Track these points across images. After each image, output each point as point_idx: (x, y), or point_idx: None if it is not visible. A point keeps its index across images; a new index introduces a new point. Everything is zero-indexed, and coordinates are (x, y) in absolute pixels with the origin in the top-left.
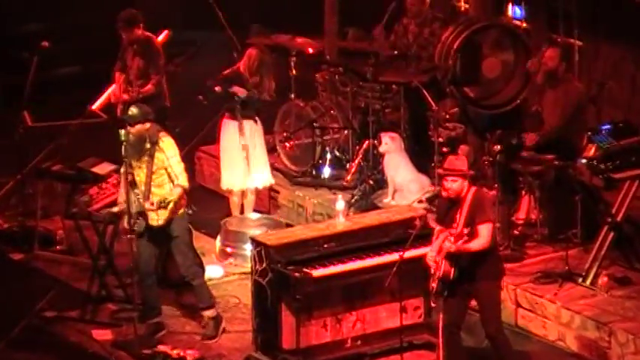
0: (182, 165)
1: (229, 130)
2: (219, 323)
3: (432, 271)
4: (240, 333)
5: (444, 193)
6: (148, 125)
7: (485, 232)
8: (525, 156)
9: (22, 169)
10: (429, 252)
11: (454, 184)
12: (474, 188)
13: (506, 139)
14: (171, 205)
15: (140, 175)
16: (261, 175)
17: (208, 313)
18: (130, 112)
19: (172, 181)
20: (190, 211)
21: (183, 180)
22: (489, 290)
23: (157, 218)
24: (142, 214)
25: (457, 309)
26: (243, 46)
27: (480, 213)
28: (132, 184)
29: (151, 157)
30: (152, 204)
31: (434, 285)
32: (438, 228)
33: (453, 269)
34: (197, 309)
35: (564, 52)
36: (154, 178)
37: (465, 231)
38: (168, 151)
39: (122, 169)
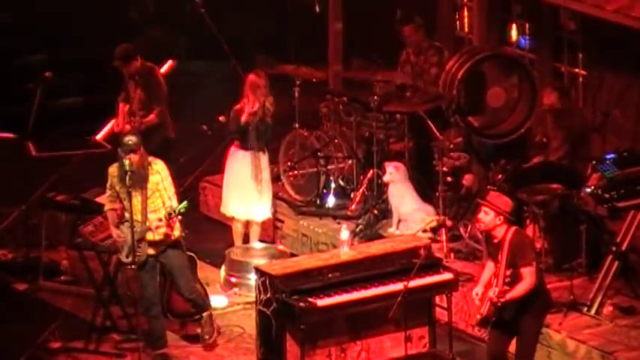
0: (174, 188)
1: (237, 159)
2: (213, 321)
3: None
4: None
5: (477, 226)
6: (142, 150)
7: (528, 276)
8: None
9: (26, 200)
10: (478, 286)
11: (486, 217)
12: (513, 229)
13: (511, 169)
14: (180, 215)
15: (135, 204)
16: (264, 208)
17: (206, 314)
18: (129, 142)
19: (164, 204)
20: (183, 234)
21: (174, 202)
22: (531, 328)
23: (153, 235)
24: (142, 240)
25: (499, 342)
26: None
27: (520, 256)
28: (122, 217)
29: (145, 181)
30: (160, 220)
31: (478, 317)
32: (488, 262)
33: (494, 316)
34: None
35: (564, 88)
36: (149, 203)
37: (508, 272)
38: (162, 172)
39: (106, 207)
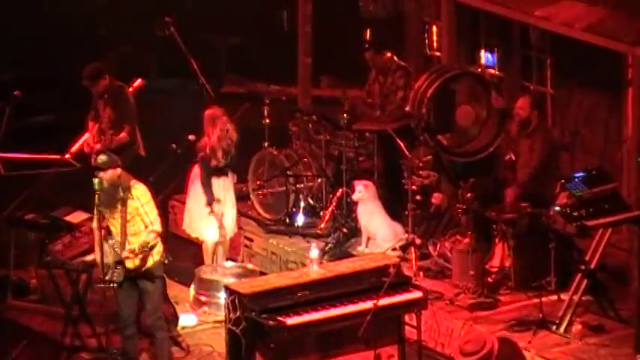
0: (156, 211)
1: (199, 181)
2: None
3: None
4: None
5: None
6: (119, 171)
7: None
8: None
9: None
10: None
11: None
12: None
13: (480, 188)
14: (153, 248)
15: (115, 225)
16: (226, 227)
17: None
18: (99, 160)
19: (146, 227)
20: (166, 261)
21: (157, 226)
22: None
23: (133, 262)
24: (121, 262)
25: None
26: (217, 94)
27: None
28: (107, 233)
29: (124, 205)
30: (132, 251)
31: None
32: None
33: None
34: None
35: (537, 100)
36: (129, 226)
37: None
38: (142, 197)
39: (94, 224)
